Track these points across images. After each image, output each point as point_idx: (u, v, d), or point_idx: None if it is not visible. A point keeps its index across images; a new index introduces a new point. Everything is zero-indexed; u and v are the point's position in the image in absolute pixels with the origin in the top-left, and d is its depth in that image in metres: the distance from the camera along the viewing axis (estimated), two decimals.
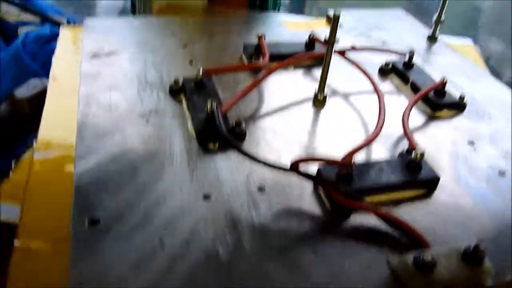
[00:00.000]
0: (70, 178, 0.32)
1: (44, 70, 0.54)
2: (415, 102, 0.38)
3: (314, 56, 0.43)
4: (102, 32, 0.48)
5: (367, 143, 0.32)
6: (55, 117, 0.37)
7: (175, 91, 0.39)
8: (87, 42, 0.46)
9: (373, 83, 0.39)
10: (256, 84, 0.38)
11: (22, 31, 0.60)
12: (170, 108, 0.38)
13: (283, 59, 0.45)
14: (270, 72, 0.39)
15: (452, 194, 0.32)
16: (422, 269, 0.25)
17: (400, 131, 0.37)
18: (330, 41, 0.37)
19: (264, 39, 0.45)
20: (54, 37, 0.58)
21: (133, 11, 0.66)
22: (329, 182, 0.30)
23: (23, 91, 0.50)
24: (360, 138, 0.37)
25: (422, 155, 0.32)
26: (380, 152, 0.36)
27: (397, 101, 0.42)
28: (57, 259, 0.28)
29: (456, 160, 0.36)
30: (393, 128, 0.38)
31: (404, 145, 0.36)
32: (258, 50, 0.45)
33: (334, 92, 0.43)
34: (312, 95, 0.41)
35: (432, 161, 0.35)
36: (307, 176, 0.30)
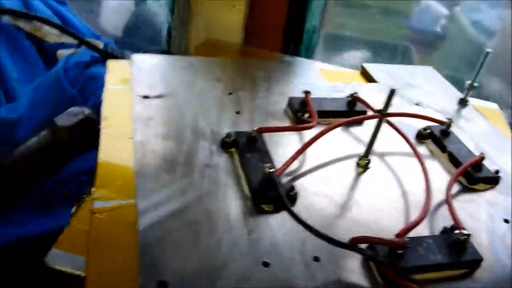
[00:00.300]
0: (132, 230, 0.33)
1: (81, 96, 0.55)
2: (456, 177, 0.40)
3: (365, 118, 0.45)
4: (149, 71, 0.49)
5: (419, 221, 0.34)
6: (111, 162, 0.38)
7: (227, 144, 0.40)
8: (136, 81, 0.47)
9: (418, 157, 0.40)
10: (308, 146, 0.39)
11: (61, 53, 0.60)
12: (224, 163, 0.39)
13: (326, 116, 0.47)
14: (320, 135, 0.40)
15: (492, 272, 0.34)
16: None
17: (438, 199, 0.39)
18: (383, 112, 0.39)
19: (310, 95, 0.47)
20: (92, 62, 0.59)
21: (168, 41, 0.67)
22: (383, 261, 0.31)
23: (64, 119, 0.50)
24: (402, 206, 0.39)
25: (468, 236, 0.34)
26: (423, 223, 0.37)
27: (433, 168, 0.44)
28: None
29: (493, 238, 0.37)
30: (432, 198, 0.40)
31: (443, 215, 0.38)
32: (303, 106, 0.46)
33: (374, 154, 0.45)
34: (352, 153, 0.43)
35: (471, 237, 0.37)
36: (363, 253, 0.31)
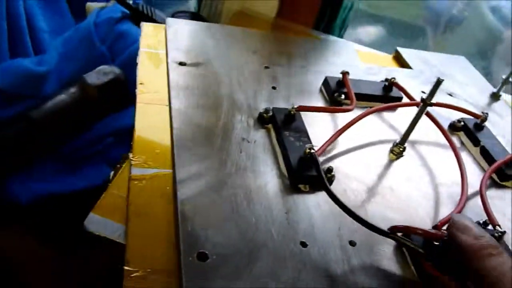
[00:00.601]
0: (170, 200, 0.33)
1: (110, 53, 0.54)
2: (491, 173, 0.40)
3: (407, 105, 0.45)
4: (185, 37, 0.48)
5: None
6: (148, 129, 0.38)
7: (265, 120, 0.40)
8: (172, 47, 0.46)
9: (454, 149, 0.40)
10: (348, 127, 0.39)
11: (90, 6, 0.59)
12: (261, 139, 0.39)
13: (362, 99, 0.46)
14: (359, 119, 0.40)
15: None
16: None
17: (469, 192, 0.39)
18: (427, 102, 0.38)
19: (348, 75, 0.46)
20: (122, 18, 0.57)
21: (199, 3, 0.65)
22: (419, 250, 0.31)
23: (94, 78, 0.50)
24: (434, 197, 0.39)
25: (503, 234, 0.34)
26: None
27: (465, 161, 0.44)
28: None
29: None
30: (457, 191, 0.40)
31: (474, 210, 0.38)
32: (340, 86, 0.45)
33: (407, 142, 0.44)
34: (385, 139, 0.43)
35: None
36: (401, 240, 0.31)
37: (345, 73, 0.46)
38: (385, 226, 0.33)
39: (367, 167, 0.40)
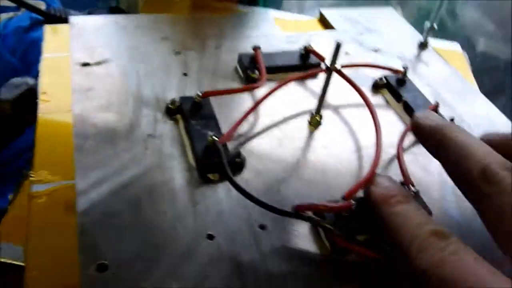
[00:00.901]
0: (73, 213, 0.32)
1: (22, 64, 0.52)
2: (406, 132, 0.39)
3: (313, 74, 0.43)
4: (90, 34, 0.46)
5: (366, 181, 0.33)
6: (50, 141, 0.36)
7: (172, 111, 0.39)
8: (75, 48, 0.44)
9: (370, 108, 0.39)
10: (254, 108, 0.38)
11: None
12: (168, 132, 0.37)
13: (279, 71, 0.45)
14: (269, 94, 0.39)
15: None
16: None
17: (391, 152, 0.39)
18: (331, 68, 0.37)
19: (260, 50, 0.45)
20: (33, 26, 0.55)
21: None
22: (327, 227, 0.31)
23: (5, 92, 0.48)
24: (358, 163, 0.38)
25: (416, 193, 0.33)
26: None
27: (389, 119, 0.43)
28: None
29: (445, 191, 0.37)
30: (386, 152, 0.39)
31: (397, 170, 0.37)
32: (253, 62, 0.44)
33: (328, 108, 0.43)
34: (305, 109, 0.42)
35: (422, 190, 0.36)
36: (307, 219, 0.31)
37: (256, 48, 0.44)
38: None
39: (285, 143, 0.39)
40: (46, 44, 0.45)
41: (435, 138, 0.31)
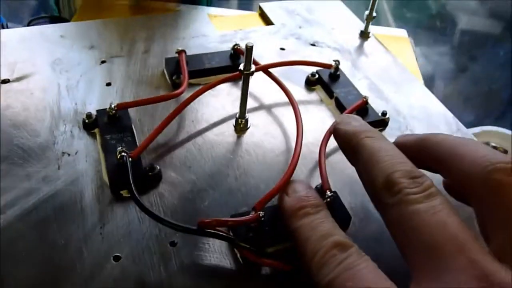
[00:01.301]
0: None
1: None
2: (331, 132, 0.38)
3: (234, 77, 0.42)
4: (13, 48, 0.45)
5: (277, 190, 0.32)
6: None
7: (89, 126, 0.38)
8: None
9: (294, 108, 0.38)
10: (171, 119, 0.37)
11: None
12: (84, 147, 0.36)
13: (207, 74, 0.44)
14: (187, 103, 0.37)
15: (362, 229, 0.33)
16: None
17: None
18: (245, 72, 0.36)
19: (185, 54, 0.43)
20: None
21: (57, 3, 0.61)
22: (236, 242, 0.30)
23: None
24: (283, 167, 0.37)
25: (334, 198, 0.32)
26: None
27: (322, 117, 0.42)
28: None
29: None
30: (313, 152, 0.38)
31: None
32: (179, 67, 0.43)
33: (259, 108, 0.42)
34: (233, 113, 0.41)
35: (348, 189, 0.35)
36: (215, 236, 0.30)
37: (180, 52, 0.43)
38: (226, 214, 0.32)
39: (206, 151, 0.38)
40: None
41: (349, 144, 0.30)
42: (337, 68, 0.44)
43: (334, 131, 0.32)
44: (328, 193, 0.32)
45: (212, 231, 0.29)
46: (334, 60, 0.44)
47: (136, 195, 0.31)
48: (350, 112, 0.40)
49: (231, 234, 0.31)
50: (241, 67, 0.36)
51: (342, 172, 0.37)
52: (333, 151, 0.39)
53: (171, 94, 0.38)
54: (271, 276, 0.30)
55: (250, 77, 0.36)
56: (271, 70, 0.42)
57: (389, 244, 0.31)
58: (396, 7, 1.18)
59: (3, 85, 0.41)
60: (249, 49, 0.34)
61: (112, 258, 0.30)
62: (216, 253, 0.31)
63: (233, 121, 0.40)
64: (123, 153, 0.33)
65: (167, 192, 0.34)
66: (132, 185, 0.31)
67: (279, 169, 0.37)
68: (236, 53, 0.45)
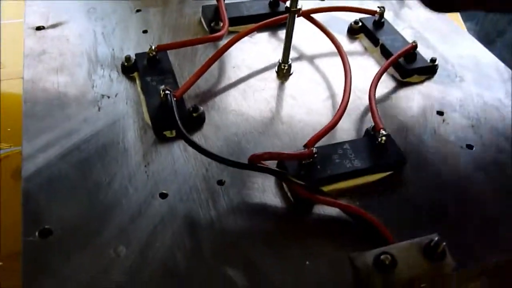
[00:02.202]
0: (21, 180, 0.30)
1: None
2: (381, 74, 0.36)
3: (276, 21, 0.40)
4: None
5: (329, 129, 0.30)
6: (4, 108, 0.35)
7: (128, 69, 0.36)
8: (29, 12, 0.42)
9: (341, 54, 0.36)
10: (212, 61, 0.35)
11: None
12: (124, 90, 0.35)
13: (246, 22, 0.42)
14: (227, 47, 0.36)
15: (417, 171, 0.32)
16: (382, 269, 0.25)
17: (366, 98, 0.36)
18: (292, 10, 0.34)
19: (223, 0, 0.42)
20: None
21: None
22: (287, 176, 0.28)
23: None
24: (329, 112, 0.35)
25: (387, 137, 0.31)
26: (347, 126, 0.34)
27: (366, 65, 0.40)
28: (12, 275, 0.27)
29: (425, 133, 0.34)
30: (361, 99, 0.37)
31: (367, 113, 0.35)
32: (217, 14, 0.41)
33: (301, 57, 0.40)
34: (275, 60, 0.39)
35: (400, 136, 0.34)
36: (265, 170, 0.28)
37: None
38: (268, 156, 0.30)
39: (249, 95, 0.36)
40: (2, 11, 0.43)
41: None
42: (381, 15, 0.42)
43: None
44: (383, 131, 0.31)
45: (264, 165, 0.28)
46: (378, 7, 0.42)
47: (184, 131, 0.29)
48: (398, 57, 0.38)
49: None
50: (287, 4, 0.34)
51: (394, 117, 0.35)
52: (382, 98, 0.37)
53: (211, 36, 0.37)
54: (323, 215, 0.29)
55: (296, 16, 0.35)
56: (313, 17, 0.40)
57: (449, 190, 0.29)
58: None
59: (38, 32, 0.40)
60: None
61: (159, 195, 0.29)
62: (265, 192, 0.30)
63: (275, 68, 0.39)
64: (166, 91, 0.32)
65: (211, 133, 0.33)
66: (179, 121, 0.30)
67: (325, 114, 0.35)
68: (276, 0, 0.43)
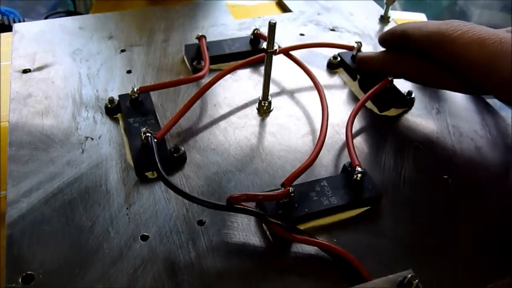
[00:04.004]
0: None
1: None
2: (358, 110, 0.37)
3: (256, 59, 0.41)
4: (32, 40, 0.45)
5: (306, 167, 0.31)
6: None
7: (111, 111, 0.37)
8: (16, 55, 0.43)
9: (318, 90, 0.37)
10: (193, 102, 0.36)
11: None
12: (107, 132, 0.36)
13: (228, 60, 0.43)
14: (208, 86, 0.37)
15: (393, 203, 0.32)
16: None
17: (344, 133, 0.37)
18: (268, 51, 0.35)
19: (205, 39, 0.43)
20: None
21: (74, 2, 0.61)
22: (265, 217, 0.29)
23: None
24: (308, 148, 0.36)
25: (363, 174, 0.32)
26: (326, 162, 0.35)
27: (345, 99, 0.41)
28: None
29: (401, 166, 0.35)
30: (339, 133, 0.37)
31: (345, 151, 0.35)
32: (199, 52, 0.42)
33: (281, 93, 0.41)
34: (256, 97, 0.40)
35: (377, 170, 0.35)
36: (243, 211, 0.29)
37: (200, 37, 0.43)
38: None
39: (230, 134, 0.37)
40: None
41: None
42: (359, 50, 0.43)
43: (410, 33, 0.37)
44: (358, 169, 0.32)
45: (242, 206, 0.29)
46: (356, 42, 0.43)
47: (163, 173, 0.30)
48: (375, 92, 0.39)
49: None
50: (264, 45, 0.35)
51: (371, 152, 0.36)
52: (360, 132, 0.38)
53: (193, 77, 0.38)
54: (301, 253, 0.29)
55: (273, 56, 0.36)
56: (292, 53, 0.42)
57: (426, 223, 0.30)
58: (406, 3, 1.17)
59: (24, 75, 0.41)
60: (272, 26, 0.34)
61: (140, 237, 0.29)
62: (245, 231, 0.30)
63: (256, 105, 0.40)
64: (147, 134, 0.33)
65: (192, 173, 0.34)
66: (159, 164, 0.31)
67: (305, 150, 0.36)
68: (256, 38, 0.44)
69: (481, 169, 0.36)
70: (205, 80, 0.39)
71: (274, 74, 0.39)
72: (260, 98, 0.39)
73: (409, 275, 0.26)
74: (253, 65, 0.44)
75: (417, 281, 0.26)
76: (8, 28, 0.56)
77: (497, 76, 0.32)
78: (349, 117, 0.36)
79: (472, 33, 0.33)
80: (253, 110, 0.39)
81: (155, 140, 0.33)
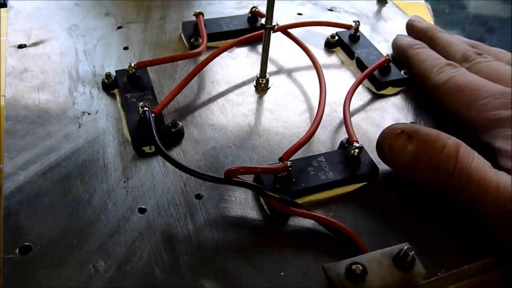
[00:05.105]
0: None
1: None
2: (355, 88, 0.37)
3: (254, 37, 0.41)
4: (28, 16, 0.44)
5: (303, 142, 0.31)
6: None
7: (108, 86, 0.37)
8: (11, 30, 0.42)
9: (316, 67, 0.37)
10: (190, 78, 0.36)
11: None
12: (104, 107, 0.36)
13: (225, 37, 0.43)
14: (206, 63, 0.37)
15: (389, 180, 0.33)
16: (354, 279, 0.26)
17: (341, 110, 0.37)
18: (267, 27, 0.35)
19: (203, 16, 0.43)
20: None
21: None
22: (262, 190, 0.29)
23: None
24: (306, 125, 0.36)
25: (360, 149, 0.32)
26: (323, 138, 0.35)
27: (343, 78, 0.41)
28: None
29: None
30: (337, 111, 0.37)
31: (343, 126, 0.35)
32: (197, 29, 0.42)
33: (279, 71, 0.41)
34: (253, 74, 0.40)
35: (374, 147, 0.35)
36: (241, 184, 0.29)
37: (198, 14, 0.42)
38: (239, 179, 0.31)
39: (228, 110, 0.37)
40: None
41: (426, 35, 0.42)
42: (357, 29, 0.43)
43: (410, 25, 0.44)
44: (356, 144, 0.32)
45: (240, 179, 0.29)
46: (354, 21, 0.43)
47: (162, 147, 0.30)
48: (373, 70, 0.39)
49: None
50: (263, 21, 0.35)
51: (368, 129, 0.36)
52: (357, 110, 0.38)
53: (190, 53, 0.38)
54: (298, 226, 0.29)
55: (271, 32, 0.36)
56: (290, 31, 0.41)
57: (422, 198, 0.30)
58: None
59: (20, 50, 0.41)
60: (271, 1, 0.34)
61: (137, 210, 0.29)
62: (242, 205, 0.30)
63: (253, 82, 0.39)
64: (145, 108, 0.33)
65: (190, 148, 0.34)
66: (156, 138, 0.31)
67: (302, 127, 0.36)
68: (254, 16, 0.44)
69: (478, 144, 0.36)
70: (203, 57, 0.39)
71: (272, 52, 0.39)
72: (258, 75, 0.38)
73: (405, 247, 0.26)
74: (251, 43, 0.44)
75: (413, 252, 0.26)
76: (3, 5, 0.55)
77: None
78: (347, 94, 0.36)
79: None
80: (250, 87, 0.39)
81: (153, 114, 0.33)
